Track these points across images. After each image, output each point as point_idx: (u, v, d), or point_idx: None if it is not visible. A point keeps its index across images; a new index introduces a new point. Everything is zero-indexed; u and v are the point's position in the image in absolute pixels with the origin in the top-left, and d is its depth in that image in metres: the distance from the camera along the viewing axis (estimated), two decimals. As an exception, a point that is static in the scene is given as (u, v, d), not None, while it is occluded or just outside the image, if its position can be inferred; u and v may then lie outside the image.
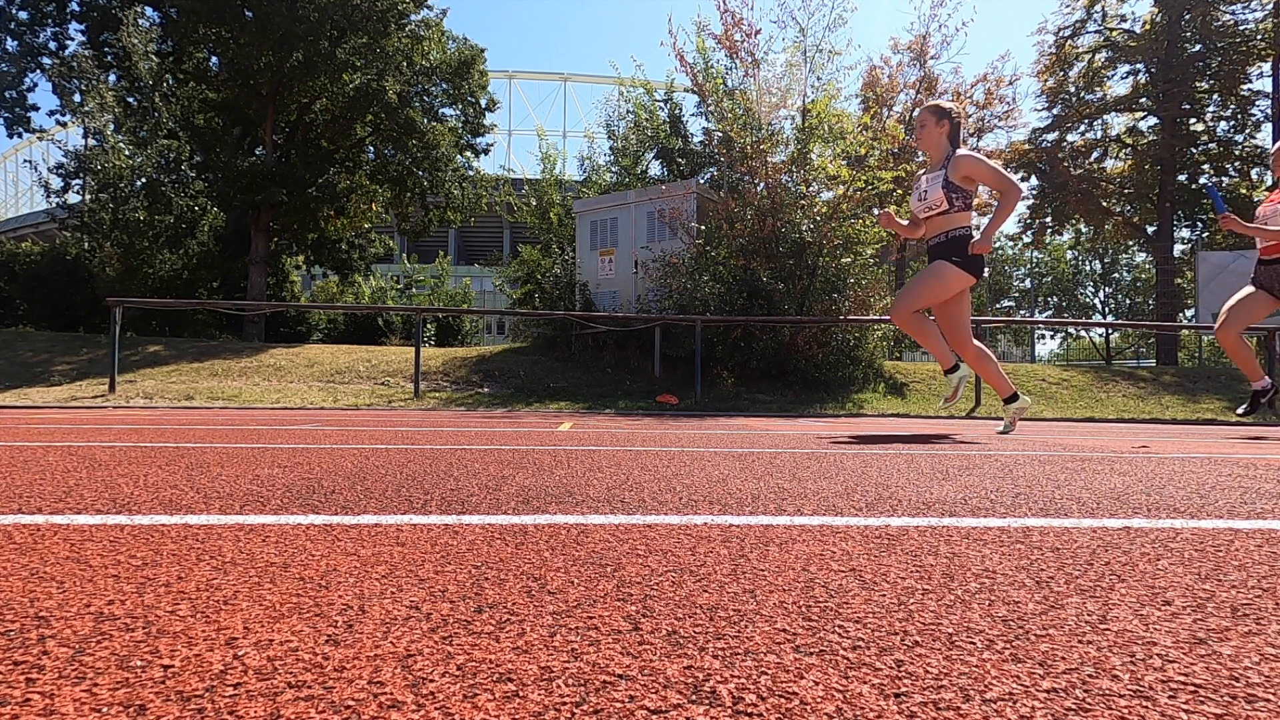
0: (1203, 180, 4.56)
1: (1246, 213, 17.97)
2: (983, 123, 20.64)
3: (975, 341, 4.03)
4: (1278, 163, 4.37)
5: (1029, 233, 21.30)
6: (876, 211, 3.53)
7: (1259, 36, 16.68)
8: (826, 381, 8.76)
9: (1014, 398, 4.15)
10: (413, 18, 15.37)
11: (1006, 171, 3.75)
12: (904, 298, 3.90)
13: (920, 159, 19.96)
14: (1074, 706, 0.54)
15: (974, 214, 3.83)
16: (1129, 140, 19.01)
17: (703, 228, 9.39)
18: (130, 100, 13.84)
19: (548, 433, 3.59)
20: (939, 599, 0.82)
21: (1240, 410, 4.80)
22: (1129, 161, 19.08)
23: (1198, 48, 17.36)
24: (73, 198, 13.82)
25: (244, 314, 14.99)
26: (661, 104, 14.31)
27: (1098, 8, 18.39)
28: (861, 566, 0.96)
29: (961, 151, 3.76)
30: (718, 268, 8.98)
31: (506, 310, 12.84)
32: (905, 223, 4.15)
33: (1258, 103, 17.58)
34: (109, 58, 14.79)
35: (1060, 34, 18.90)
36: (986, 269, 3.96)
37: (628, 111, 14.44)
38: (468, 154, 18.02)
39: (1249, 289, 4.52)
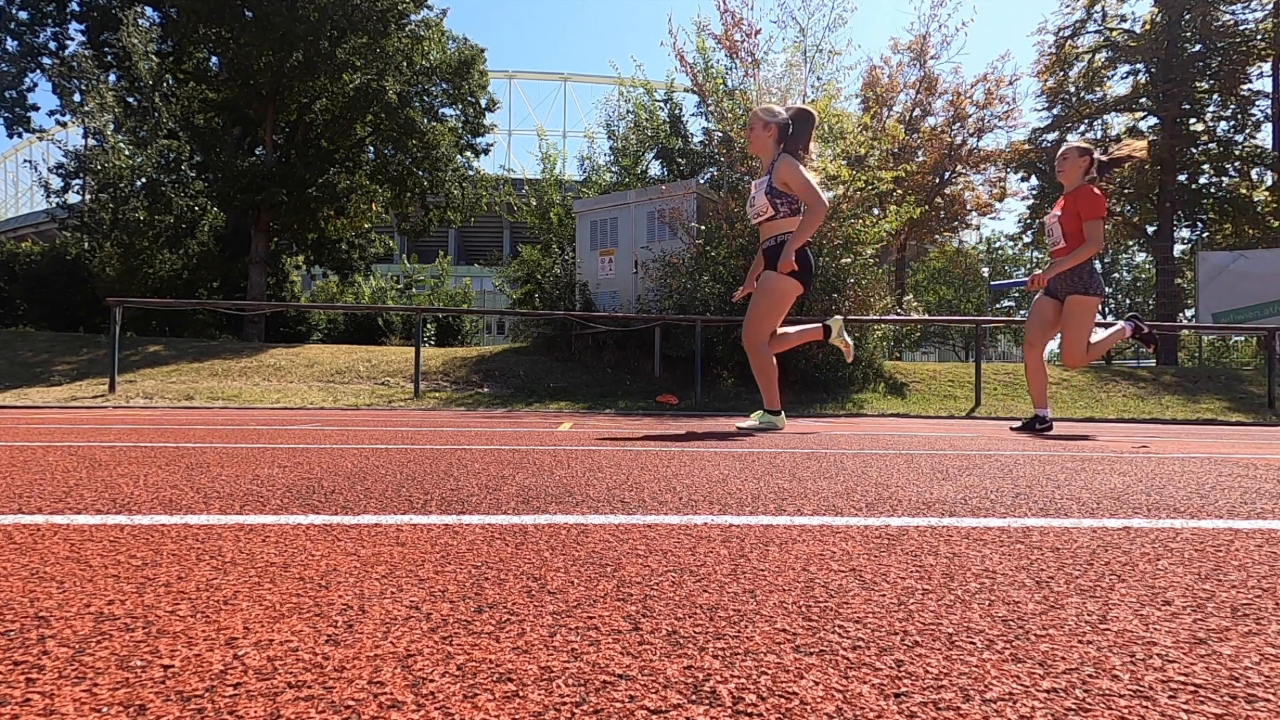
0: (993, 283, 4.49)
1: (1246, 212, 18.00)
2: (983, 123, 20.67)
3: (767, 344, 3.88)
4: (1060, 165, 4.26)
5: (1029, 233, 21.32)
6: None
7: (1259, 36, 16.69)
8: (826, 381, 8.76)
9: (776, 412, 3.95)
10: (413, 18, 15.36)
11: (818, 187, 3.61)
12: (751, 323, 3.85)
13: (920, 159, 19.98)
14: (1074, 706, 0.54)
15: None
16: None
17: (703, 228, 9.39)
18: (130, 100, 13.83)
19: (548, 433, 3.59)
20: (939, 599, 0.82)
21: (1013, 427, 4.72)
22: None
23: (1198, 48, 17.37)
24: (73, 198, 13.82)
25: (244, 314, 15.00)
26: (661, 104, 14.29)
27: (1098, 8, 18.40)
28: (861, 566, 0.96)
29: (785, 157, 3.66)
30: (718, 268, 8.97)
31: (506, 310, 12.84)
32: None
33: (1258, 103, 17.61)
34: (109, 58, 14.79)
35: (1060, 34, 18.92)
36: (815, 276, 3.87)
37: (628, 111, 14.43)
38: (468, 154, 18.02)
39: (1036, 298, 4.41)
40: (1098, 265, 4.24)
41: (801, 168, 3.63)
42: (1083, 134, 19.45)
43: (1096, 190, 4.07)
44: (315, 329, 17.78)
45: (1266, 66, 17.18)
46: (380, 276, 22.43)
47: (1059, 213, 4.23)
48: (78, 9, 15.37)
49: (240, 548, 1.03)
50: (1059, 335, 4.39)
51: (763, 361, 3.89)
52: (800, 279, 3.73)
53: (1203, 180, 18.51)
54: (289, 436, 3.10)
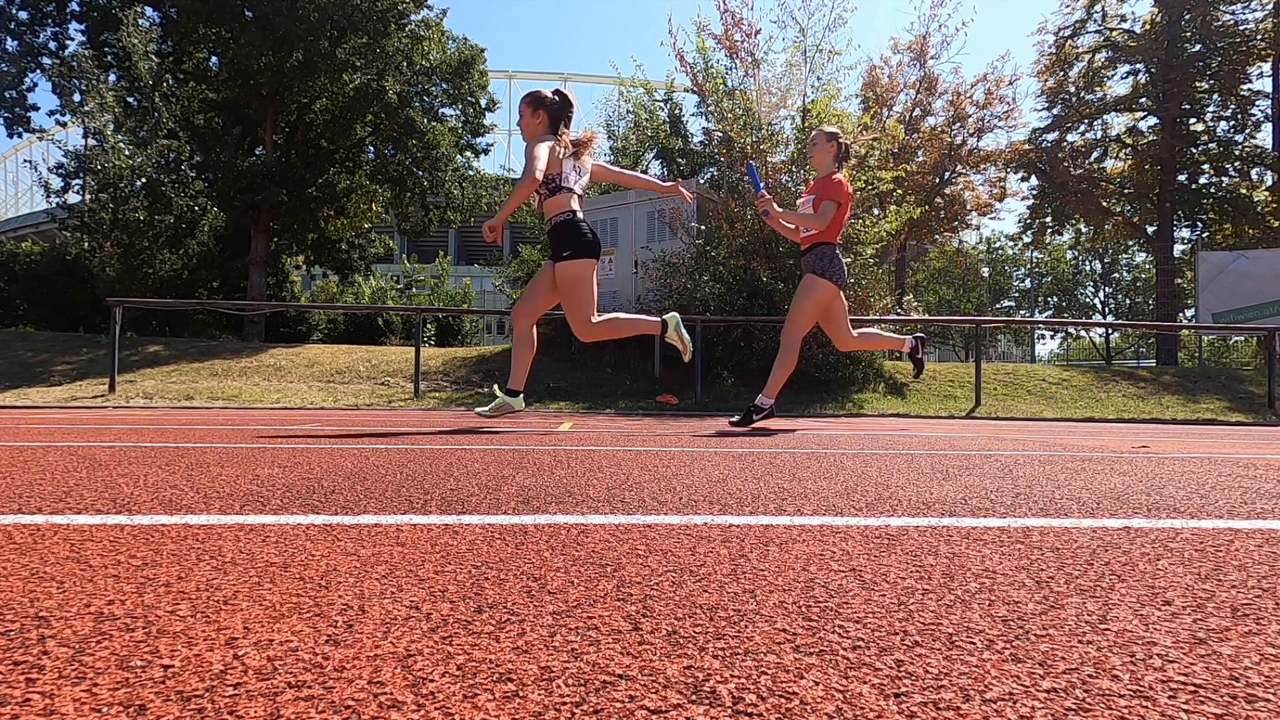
0: (750, 163, 4.46)
1: (1246, 212, 17.99)
2: (983, 123, 20.65)
3: (598, 315, 3.86)
4: (810, 151, 4.36)
5: (1029, 233, 21.30)
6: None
7: (1259, 36, 16.68)
8: (826, 381, 8.75)
9: (516, 394, 3.98)
10: (413, 18, 15.35)
11: (534, 163, 3.55)
12: (572, 318, 3.83)
13: (920, 159, 19.98)
14: (1074, 706, 0.54)
15: (574, 196, 3.71)
16: (1129, 140, 19.00)
17: (703, 228, 9.38)
18: (130, 100, 13.81)
19: (547, 433, 3.59)
20: (939, 599, 0.82)
21: (732, 421, 4.55)
22: (1129, 161, 19.08)
23: (1198, 48, 17.36)
24: (73, 198, 13.80)
25: (244, 314, 14.99)
26: (661, 104, 14.29)
27: (1098, 8, 18.39)
28: (861, 566, 0.96)
29: (534, 140, 3.65)
30: (718, 268, 8.97)
31: (506, 310, 12.83)
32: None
33: (1258, 103, 17.60)
34: (109, 58, 14.77)
35: (1060, 34, 18.90)
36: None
37: (628, 111, 14.43)
38: (468, 154, 18.00)
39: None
40: (840, 255, 4.29)
41: (542, 145, 3.59)
42: (1083, 134, 19.44)
43: (840, 178, 4.20)
44: (315, 329, 17.77)
45: (1266, 66, 17.17)
46: (380, 276, 22.40)
47: (811, 197, 4.32)
48: (78, 9, 15.36)
49: (240, 548, 1.03)
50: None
51: (608, 330, 3.85)
52: (587, 254, 3.71)
53: (1203, 180, 18.49)
54: (289, 436, 3.10)
